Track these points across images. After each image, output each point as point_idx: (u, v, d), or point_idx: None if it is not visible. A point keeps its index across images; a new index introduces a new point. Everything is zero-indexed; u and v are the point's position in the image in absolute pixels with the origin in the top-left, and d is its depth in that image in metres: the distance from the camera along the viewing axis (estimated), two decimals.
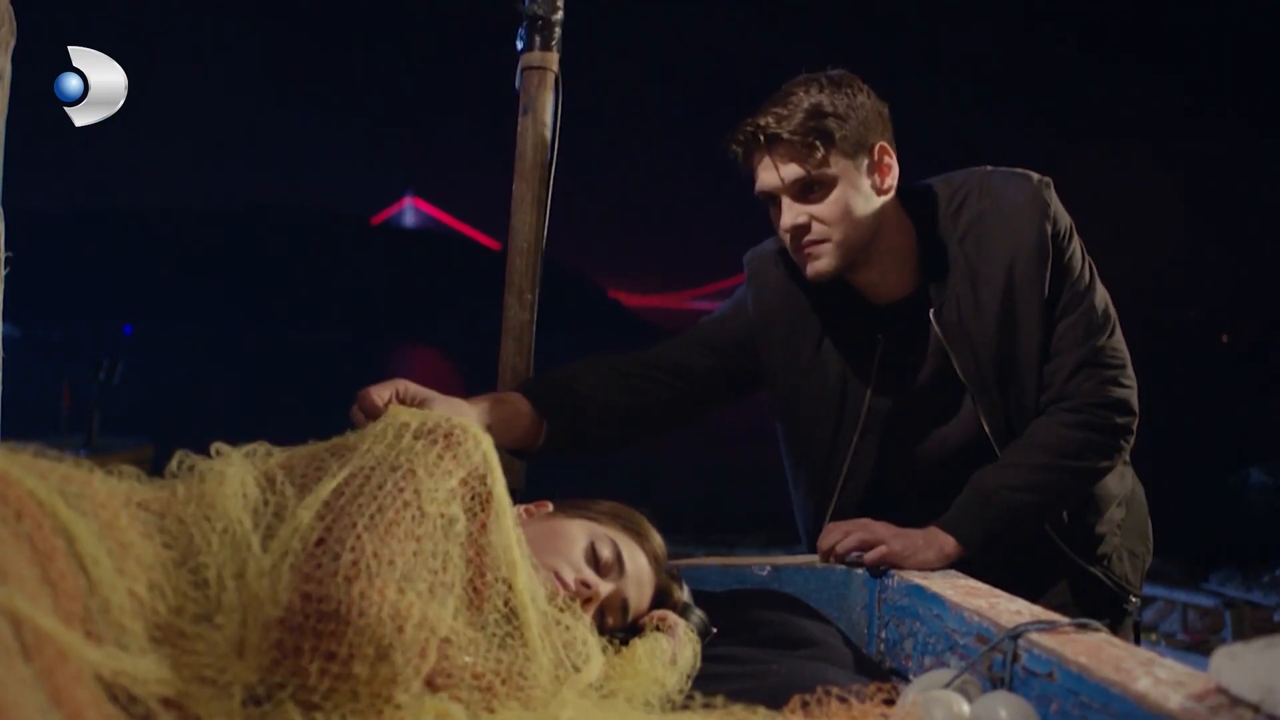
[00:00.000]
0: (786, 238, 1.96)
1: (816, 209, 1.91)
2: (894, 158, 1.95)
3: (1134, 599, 2.17)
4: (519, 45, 2.17)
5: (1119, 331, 2.02)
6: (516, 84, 2.19)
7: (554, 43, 2.16)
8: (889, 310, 2.03)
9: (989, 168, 2.07)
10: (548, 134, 2.16)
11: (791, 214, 1.92)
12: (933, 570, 1.83)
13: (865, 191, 1.93)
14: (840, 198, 1.91)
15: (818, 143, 1.87)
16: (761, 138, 1.89)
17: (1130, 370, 2.01)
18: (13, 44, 1.67)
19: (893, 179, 1.96)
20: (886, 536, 1.87)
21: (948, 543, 1.88)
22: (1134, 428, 2.00)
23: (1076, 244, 1.99)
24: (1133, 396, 1.99)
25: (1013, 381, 1.98)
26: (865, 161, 1.92)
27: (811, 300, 2.06)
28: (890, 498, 2.05)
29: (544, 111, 2.15)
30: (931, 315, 1.99)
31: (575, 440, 2.00)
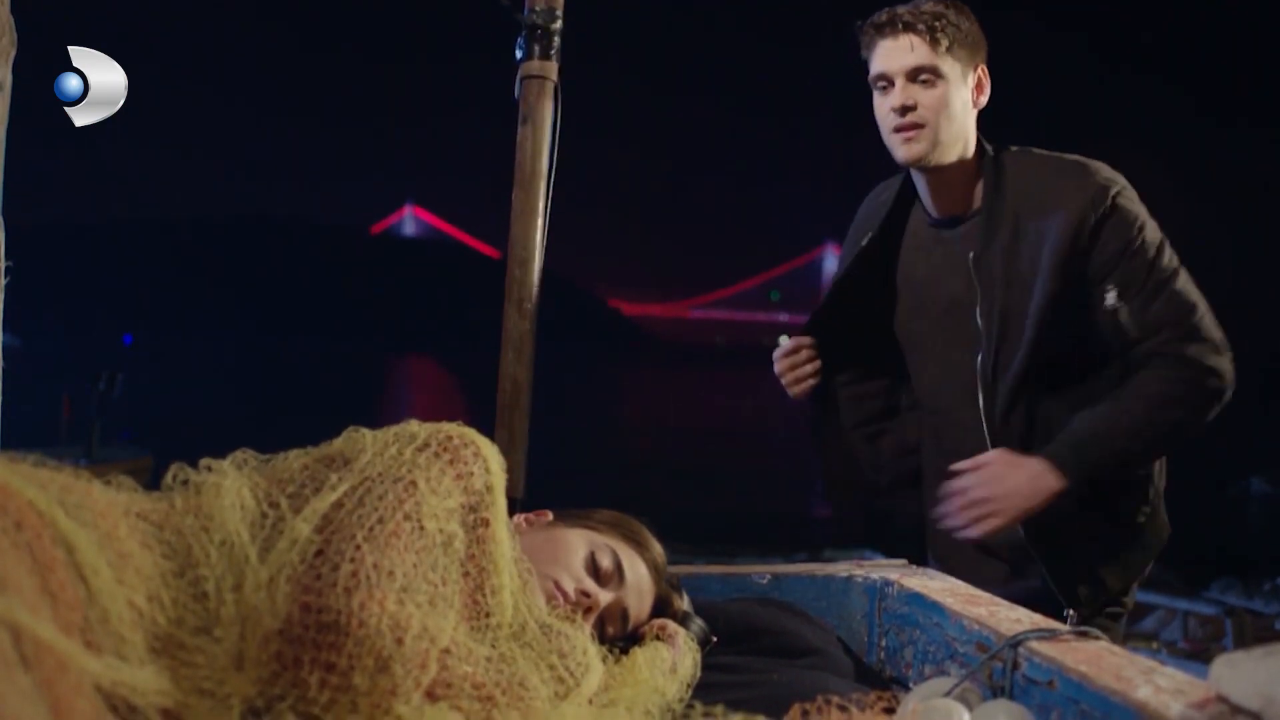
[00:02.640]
0: (891, 119, 2.15)
1: (924, 95, 2.12)
2: (989, 83, 2.21)
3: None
4: (518, 54, 2.18)
5: (1210, 316, 2.12)
6: (516, 93, 2.19)
7: (553, 52, 2.16)
8: (938, 223, 2.27)
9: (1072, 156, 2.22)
10: (547, 143, 2.17)
11: (903, 95, 2.13)
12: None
13: (964, 99, 2.16)
14: (945, 93, 2.12)
15: (941, 37, 2.10)
16: (899, 23, 2.11)
17: (1227, 349, 2.11)
18: (13, 54, 1.67)
19: (984, 99, 2.20)
20: (996, 508, 2.06)
21: (1052, 485, 2.04)
22: (1224, 396, 2.10)
23: (1146, 240, 2.09)
24: (1226, 367, 2.09)
25: (1007, 341, 2.14)
26: (970, 74, 2.16)
27: (882, 209, 2.35)
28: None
29: (543, 121, 2.15)
30: (971, 259, 2.18)
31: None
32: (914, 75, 2.12)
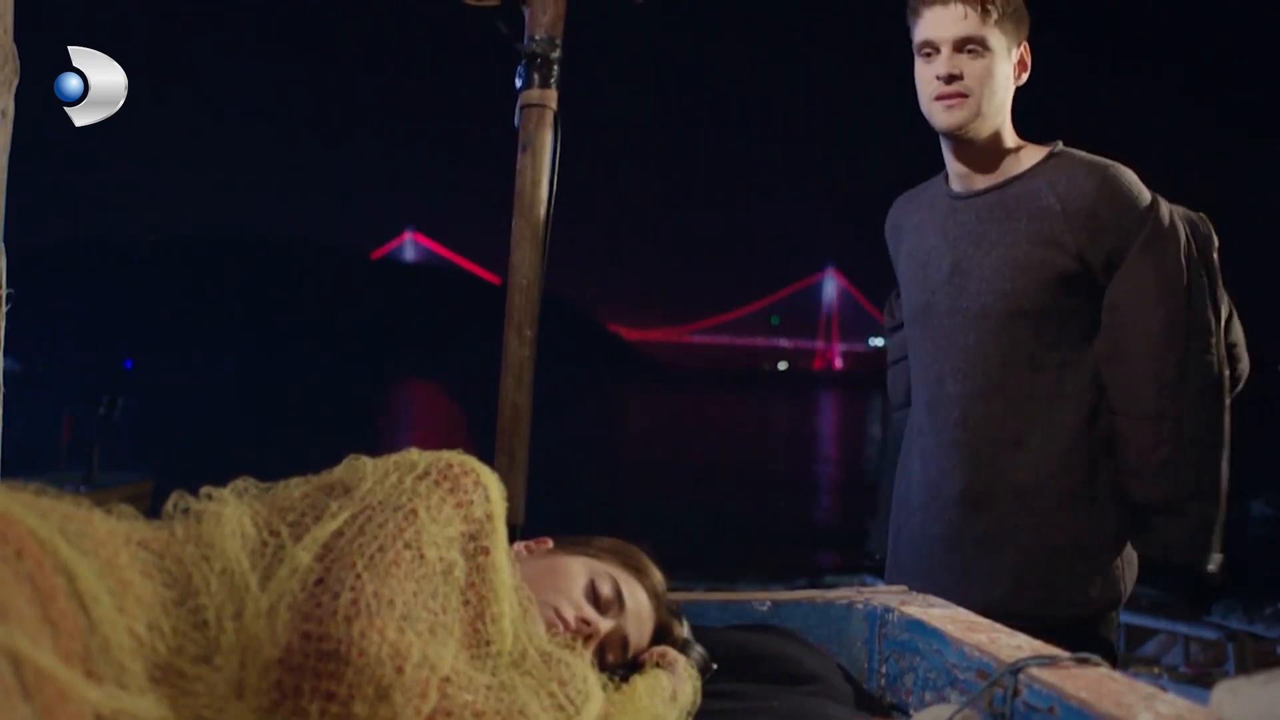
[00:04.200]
0: (934, 86, 2.17)
1: (970, 65, 2.15)
2: (1030, 61, 2.23)
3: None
4: (518, 83, 2.19)
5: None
6: (516, 121, 2.20)
7: (553, 80, 2.17)
8: (960, 196, 2.30)
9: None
10: (547, 171, 2.18)
11: (948, 63, 2.15)
12: None
13: (1006, 73, 2.18)
14: (989, 65, 2.15)
15: (991, 8, 2.12)
16: None
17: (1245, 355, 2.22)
18: (15, 83, 1.67)
19: (1025, 77, 2.24)
20: None
21: None
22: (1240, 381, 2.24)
23: (1173, 249, 2.14)
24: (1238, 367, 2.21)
25: (1010, 329, 2.19)
26: (1014, 49, 2.19)
27: (924, 201, 2.40)
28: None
29: (543, 149, 2.16)
30: (978, 229, 2.24)
31: None
32: (961, 45, 2.13)
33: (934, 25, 2.14)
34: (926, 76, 2.18)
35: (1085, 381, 2.16)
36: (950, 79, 2.14)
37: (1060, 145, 2.25)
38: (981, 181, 2.26)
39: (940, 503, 2.26)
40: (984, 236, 2.22)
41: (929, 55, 2.17)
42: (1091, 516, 2.17)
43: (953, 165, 2.29)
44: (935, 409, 2.29)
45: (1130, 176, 2.16)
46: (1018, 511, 2.18)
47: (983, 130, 2.19)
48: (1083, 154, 2.23)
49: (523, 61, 2.17)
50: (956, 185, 2.30)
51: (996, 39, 2.14)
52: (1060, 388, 2.17)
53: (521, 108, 2.18)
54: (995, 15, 2.12)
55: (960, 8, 2.12)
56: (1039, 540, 2.17)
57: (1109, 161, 2.19)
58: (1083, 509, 2.17)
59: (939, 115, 2.19)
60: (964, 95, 2.15)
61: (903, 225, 2.44)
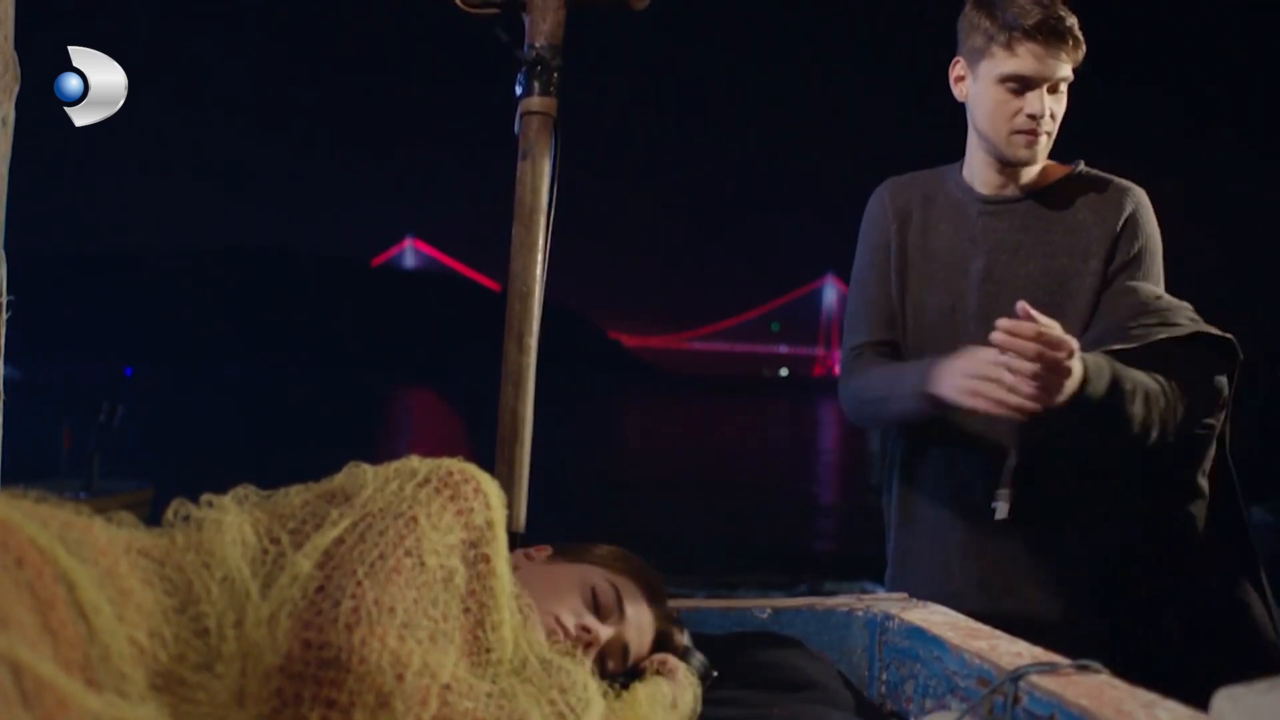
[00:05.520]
0: (1019, 120, 2.15)
1: (1055, 105, 2.16)
2: None
3: None
4: (518, 90, 2.19)
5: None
6: (516, 128, 2.20)
7: (553, 88, 2.17)
8: (992, 201, 2.29)
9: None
10: (547, 178, 2.17)
11: (1041, 102, 2.14)
12: None
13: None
14: (1064, 101, 2.18)
15: (1079, 49, 2.13)
16: (1055, 31, 2.10)
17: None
18: (16, 90, 1.67)
19: None
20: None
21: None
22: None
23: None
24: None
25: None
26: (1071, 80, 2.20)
27: (937, 195, 2.35)
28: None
29: (543, 157, 2.16)
30: (1018, 240, 2.23)
31: None
32: (1055, 85, 2.15)
33: (1032, 64, 2.12)
34: (1009, 109, 2.16)
35: None
36: (1039, 119, 2.15)
37: (1082, 164, 2.28)
38: (1012, 189, 2.27)
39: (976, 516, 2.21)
40: (1020, 245, 2.22)
41: (1014, 89, 2.15)
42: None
43: (988, 174, 2.28)
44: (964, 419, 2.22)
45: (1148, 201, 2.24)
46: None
47: (1044, 158, 2.23)
48: (1106, 175, 2.28)
49: (523, 69, 2.17)
50: (984, 189, 2.29)
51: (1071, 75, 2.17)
52: None
53: (521, 115, 2.18)
54: (1080, 54, 2.14)
55: (1059, 50, 2.11)
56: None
57: (1133, 184, 2.25)
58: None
59: (1019, 150, 2.18)
60: (1045, 133, 2.17)
61: (911, 212, 2.37)
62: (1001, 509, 2.12)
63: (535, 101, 2.16)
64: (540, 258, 2.16)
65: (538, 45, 2.16)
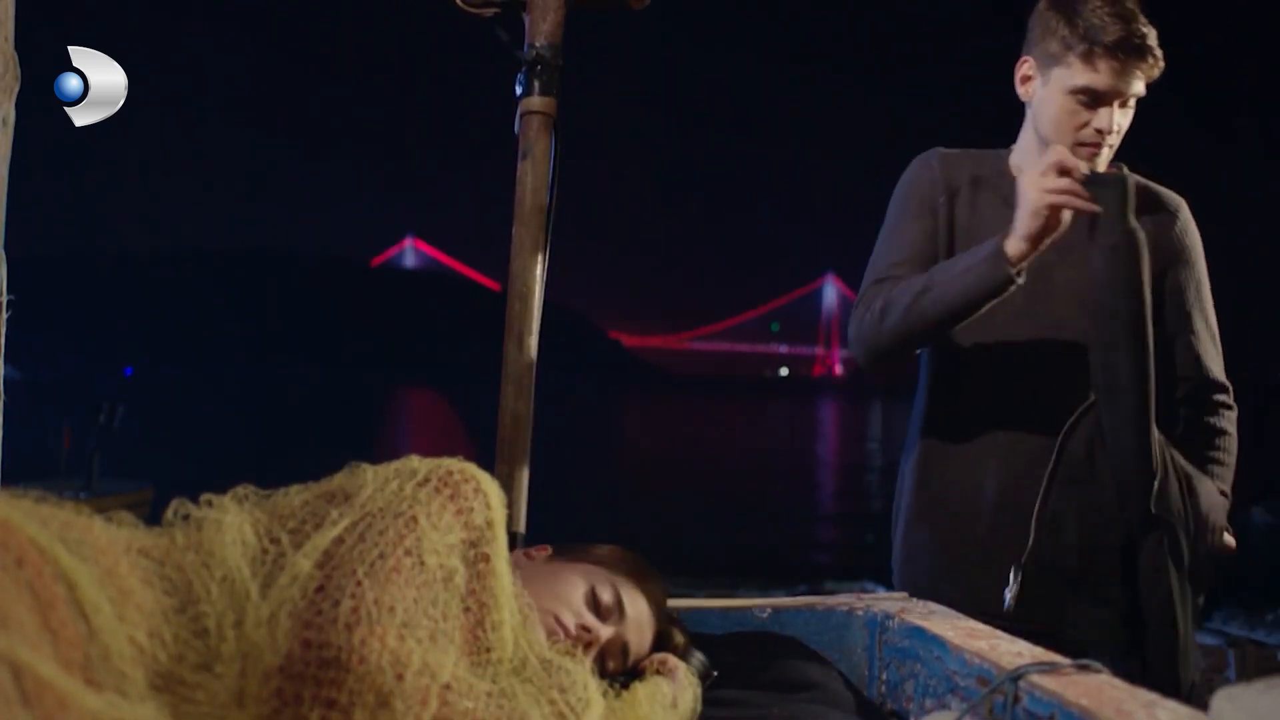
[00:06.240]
0: (1087, 133, 2.13)
1: (1122, 119, 2.15)
2: None
3: None
4: (518, 90, 2.19)
5: None
6: (516, 128, 2.20)
7: (553, 88, 2.17)
8: None
9: None
10: (547, 179, 2.17)
11: (1112, 118, 2.12)
12: None
13: None
14: (1131, 114, 2.17)
15: (1158, 68, 2.12)
16: (1136, 49, 2.08)
17: None
18: (16, 90, 1.67)
19: None
20: None
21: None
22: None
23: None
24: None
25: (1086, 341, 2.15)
26: None
27: (985, 180, 2.31)
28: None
29: (543, 156, 2.16)
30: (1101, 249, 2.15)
31: None
32: (1126, 101, 2.14)
33: (1109, 80, 2.10)
34: (1077, 120, 2.14)
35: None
36: (1108, 134, 2.14)
37: (1125, 169, 2.22)
38: None
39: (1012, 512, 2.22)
40: (1070, 248, 2.14)
41: (1085, 102, 2.12)
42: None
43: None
44: (999, 414, 2.25)
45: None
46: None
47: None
48: (1150, 182, 2.30)
49: (522, 69, 2.17)
50: None
51: None
52: None
53: (521, 115, 2.18)
54: (1159, 71, 2.12)
55: (1138, 66, 2.09)
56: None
57: (1175, 193, 2.30)
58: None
59: (1082, 161, 2.11)
60: (1110, 145, 2.16)
61: (960, 189, 2.31)
62: (1009, 599, 2.13)
63: (535, 101, 2.16)
64: (540, 258, 2.16)
65: (538, 45, 2.16)
